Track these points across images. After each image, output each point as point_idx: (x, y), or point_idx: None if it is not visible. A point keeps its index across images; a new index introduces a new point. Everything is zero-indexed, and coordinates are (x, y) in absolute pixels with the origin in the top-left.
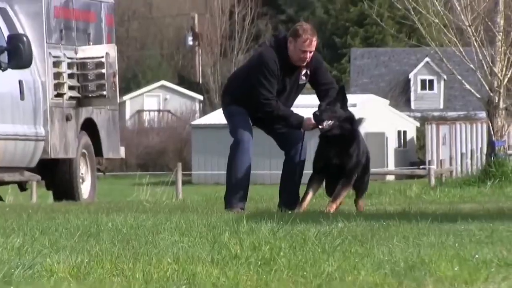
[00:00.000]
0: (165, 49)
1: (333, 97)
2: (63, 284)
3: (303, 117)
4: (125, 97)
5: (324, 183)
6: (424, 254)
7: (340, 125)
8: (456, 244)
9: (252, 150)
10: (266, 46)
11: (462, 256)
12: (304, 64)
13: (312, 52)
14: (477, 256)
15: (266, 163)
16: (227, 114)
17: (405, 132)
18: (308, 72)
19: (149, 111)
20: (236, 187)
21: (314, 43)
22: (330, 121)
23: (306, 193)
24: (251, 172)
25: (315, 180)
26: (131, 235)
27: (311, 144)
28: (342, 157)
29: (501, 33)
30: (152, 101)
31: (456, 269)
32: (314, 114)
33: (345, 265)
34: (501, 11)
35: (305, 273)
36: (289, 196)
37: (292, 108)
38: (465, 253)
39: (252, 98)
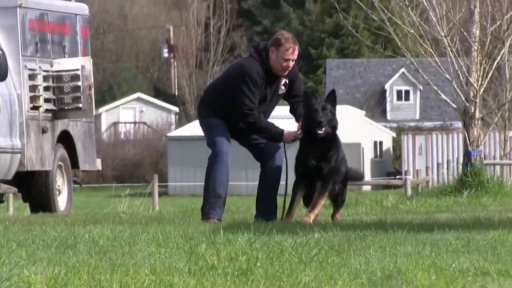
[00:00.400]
0: (140, 61)
1: (317, 102)
2: None
3: (283, 130)
4: (100, 110)
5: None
6: (400, 263)
7: (330, 131)
8: (433, 254)
9: (230, 162)
10: (247, 57)
11: (439, 265)
12: (286, 73)
13: (294, 61)
14: (453, 265)
15: (242, 174)
16: (204, 126)
17: (381, 142)
18: (287, 82)
19: (125, 123)
20: (214, 198)
21: (296, 51)
22: (327, 127)
23: (292, 201)
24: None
25: (299, 187)
26: (108, 246)
27: (290, 152)
28: (322, 161)
29: (476, 43)
30: (128, 113)
31: (433, 278)
32: (315, 118)
33: (322, 275)
34: (477, 21)
35: (282, 283)
36: (266, 207)
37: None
38: (441, 262)
39: (233, 109)
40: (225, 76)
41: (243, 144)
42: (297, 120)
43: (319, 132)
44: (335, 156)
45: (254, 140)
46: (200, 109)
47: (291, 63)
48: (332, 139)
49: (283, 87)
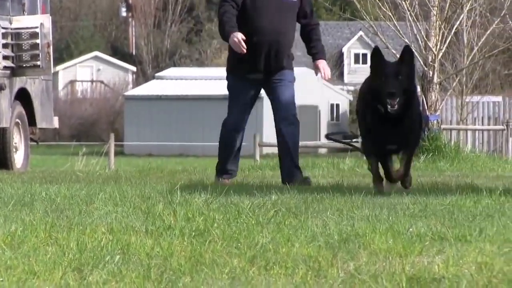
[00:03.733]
0: (98, 20)
1: (388, 63)
2: None
3: (232, 34)
4: (58, 68)
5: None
6: (358, 227)
7: (404, 102)
8: (390, 218)
9: (244, 130)
10: None
11: (396, 230)
12: None
13: None
14: (411, 229)
15: (199, 135)
16: (228, 87)
17: (338, 105)
18: None
19: (82, 81)
20: (226, 160)
21: None
22: (401, 98)
23: (373, 168)
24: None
25: (374, 158)
26: (65, 204)
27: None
28: (403, 144)
29: (435, 8)
30: (85, 72)
31: (390, 242)
32: (388, 90)
33: (279, 237)
34: None
35: (239, 244)
36: (288, 171)
37: (196, 79)
38: (399, 226)
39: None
40: None
41: (267, 93)
42: (308, 52)
43: (392, 107)
44: (416, 130)
45: (277, 85)
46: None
47: None
48: (410, 110)
49: None
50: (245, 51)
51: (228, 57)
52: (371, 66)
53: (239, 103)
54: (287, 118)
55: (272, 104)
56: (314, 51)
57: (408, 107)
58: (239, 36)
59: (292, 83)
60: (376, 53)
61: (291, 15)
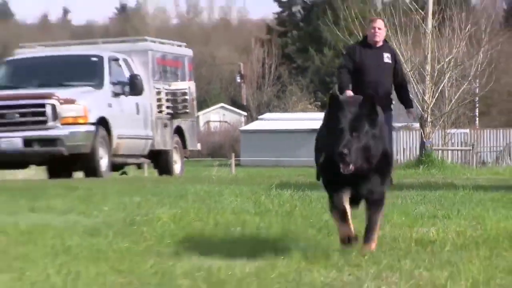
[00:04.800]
0: (223, 84)
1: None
2: (166, 225)
3: (346, 90)
4: (199, 113)
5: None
6: (385, 210)
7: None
8: (402, 204)
9: None
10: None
11: (406, 211)
12: (376, 39)
13: (381, 29)
14: (415, 211)
15: (288, 153)
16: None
17: None
18: (389, 56)
19: (214, 121)
20: None
21: (379, 21)
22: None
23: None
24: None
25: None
26: (205, 196)
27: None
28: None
29: (428, 75)
30: (215, 116)
31: (403, 218)
32: (339, 152)
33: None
34: (428, 62)
35: (311, 220)
36: None
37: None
38: (408, 209)
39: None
40: None
41: None
42: (400, 101)
43: (344, 170)
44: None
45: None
46: None
47: (377, 30)
48: (372, 163)
49: (387, 59)
50: None
51: None
52: (325, 115)
53: None
54: None
55: None
56: (404, 102)
57: (369, 161)
58: (348, 93)
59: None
60: (333, 101)
61: (388, 73)
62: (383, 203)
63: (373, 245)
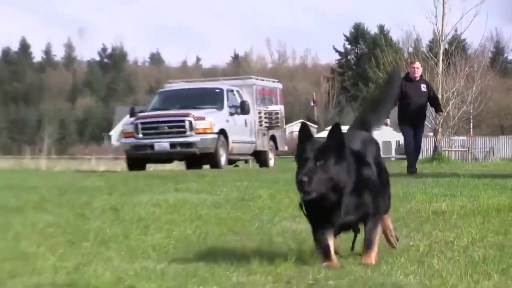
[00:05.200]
0: (301, 107)
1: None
2: (265, 201)
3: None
4: (286, 126)
5: None
6: (411, 191)
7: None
8: (422, 186)
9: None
10: None
11: (425, 191)
12: (416, 75)
13: (419, 68)
14: (432, 191)
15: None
16: (399, 128)
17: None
18: (425, 86)
19: (295, 132)
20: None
21: (416, 63)
22: (319, 190)
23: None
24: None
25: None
26: (292, 181)
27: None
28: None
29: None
30: (296, 128)
31: (424, 197)
32: (299, 180)
33: None
34: (440, 92)
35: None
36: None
37: None
38: (427, 190)
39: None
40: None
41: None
42: (434, 108)
43: (305, 198)
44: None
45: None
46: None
47: (416, 69)
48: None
49: (423, 89)
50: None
51: (398, 114)
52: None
53: (409, 134)
54: (416, 144)
55: (413, 135)
56: (435, 108)
57: (337, 191)
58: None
59: (423, 129)
60: (303, 129)
61: (424, 95)
62: (377, 220)
63: (373, 259)
